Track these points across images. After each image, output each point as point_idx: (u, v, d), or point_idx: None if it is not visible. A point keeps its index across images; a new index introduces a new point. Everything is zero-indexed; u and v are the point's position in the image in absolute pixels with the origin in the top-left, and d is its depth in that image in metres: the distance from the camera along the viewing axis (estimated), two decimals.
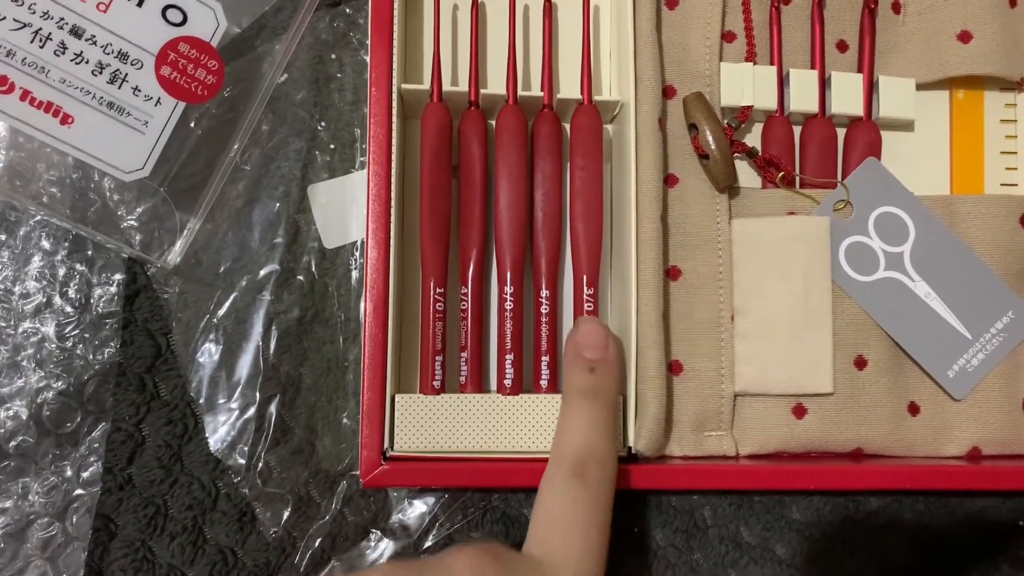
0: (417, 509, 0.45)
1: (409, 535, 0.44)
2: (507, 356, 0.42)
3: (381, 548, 0.44)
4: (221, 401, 0.44)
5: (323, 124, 0.46)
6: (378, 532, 0.44)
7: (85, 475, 0.43)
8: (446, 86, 0.43)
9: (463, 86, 0.43)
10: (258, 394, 0.44)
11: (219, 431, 0.44)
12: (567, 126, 0.44)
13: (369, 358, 0.40)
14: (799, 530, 0.46)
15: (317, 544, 0.44)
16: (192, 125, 0.42)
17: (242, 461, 0.44)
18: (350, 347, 0.45)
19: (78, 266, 0.44)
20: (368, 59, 0.41)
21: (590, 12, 0.44)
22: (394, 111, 0.41)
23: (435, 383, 0.42)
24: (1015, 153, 0.46)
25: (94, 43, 0.39)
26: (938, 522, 0.46)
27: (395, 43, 0.41)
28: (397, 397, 0.41)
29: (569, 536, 0.34)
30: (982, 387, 0.44)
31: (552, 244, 0.43)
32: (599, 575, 0.34)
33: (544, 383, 0.42)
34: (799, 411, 0.43)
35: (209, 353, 0.44)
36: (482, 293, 0.43)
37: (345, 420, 0.45)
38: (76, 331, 0.43)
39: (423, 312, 0.42)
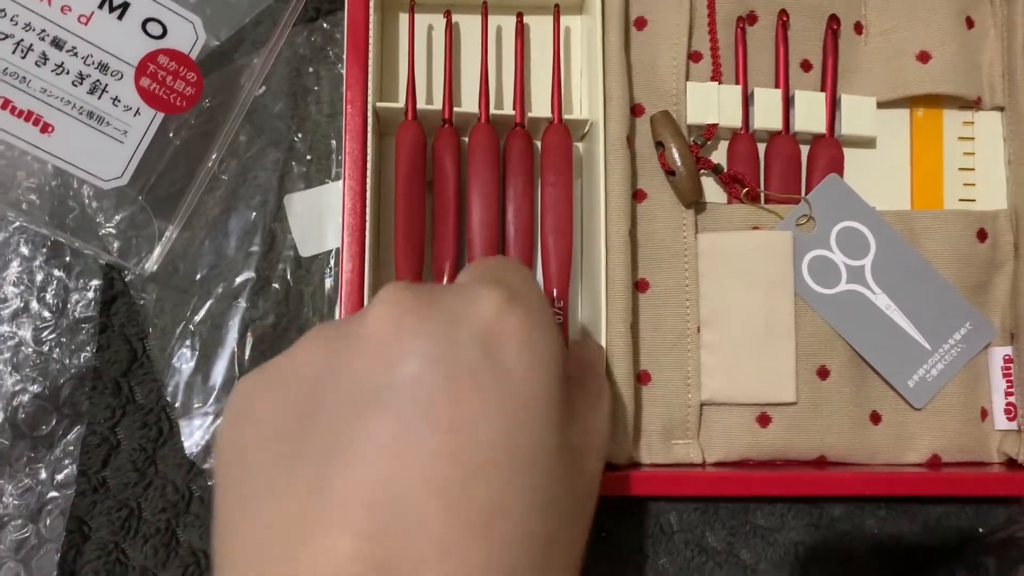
0: None
1: None
2: None
3: None
4: (196, 406, 0.44)
5: (300, 135, 0.47)
6: None
7: (59, 477, 0.43)
8: (420, 104, 0.44)
9: (437, 104, 0.44)
10: None
11: (194, 435, 0.44)
12: (538, 143, 0.46)
13: None
14: (764, 536, 0.47)
15: None
16: (171, 135, 0.43)
17: None
18: None
19: (56, 272, 0.44)
20: (344, 73, 0.42)
21: (560, 33, 0.45)
22: (369, 128, 0.42)
23: None
24: (973, 170, 0.48)
25: (75, 54, 0.40)
26: (899, 529, 0.47)
27: (370, 62, 0.42)
28: None
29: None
30: (942, 396, 0.45)
31: (523, 257, 0.44)
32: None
33: None
34: (763, 420, 0.44)
35: (185, 358, 0.45)
36: None
37: None
38: (53, 335, 0.44)
39: None
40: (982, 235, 0.46)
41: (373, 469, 0.23)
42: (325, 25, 0.47)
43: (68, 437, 0.44)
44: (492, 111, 0.44)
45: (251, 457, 0.25)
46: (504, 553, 0.24)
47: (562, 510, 0.27)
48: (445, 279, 0.43)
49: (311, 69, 0.47)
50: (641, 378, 0.44)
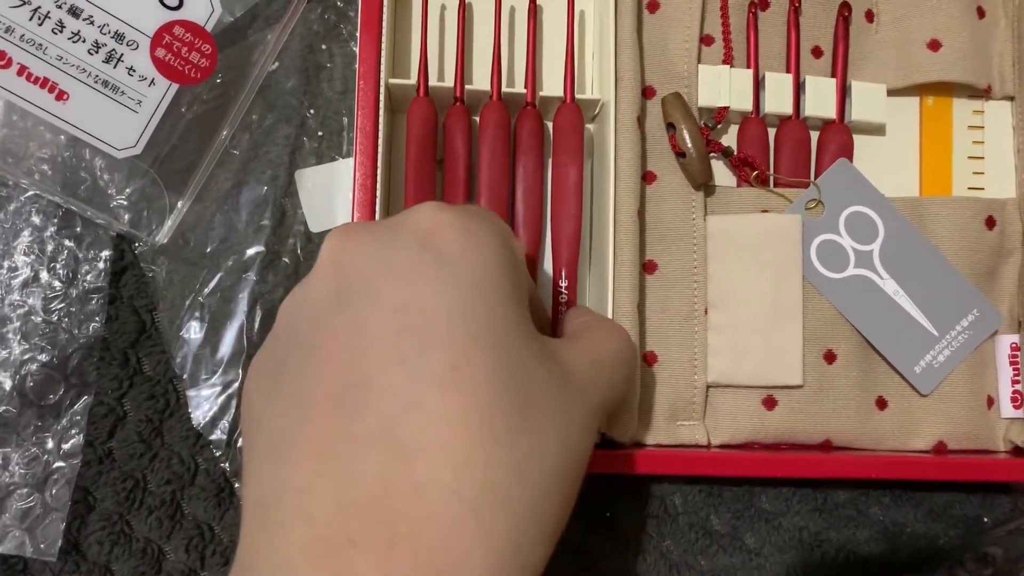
0: None
1: None
2: None
3: None
4: (204, 378, 0.44)
5: (312, 112, 0.47)
6: None
7: (66, 447, 0.43)
8: (432, 81, 0.44)
9: (449, 82, 0.44)
10: (241, 372, 0.45)
11: (201, 407, 0.44)
12: (549, 123, 0.46)
13: None
14: (768, 519, 0.47)
15: None
16: (183, 109, 0.43)
17: (223, 437, 0.44)
18: None
19: (66, 242, 0.44)
20: (357, 51, 0.42)
21: (575, 14, 0.45)
22: (381, 105, 0.42)
23: None
24: (982, 158, 0.48)
25: (91, 23, 0.40)
26: (904, 516, 0.47)
27: (383, 39, 0.43)
28: None
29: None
30: (948, 383, 0.45)
31: (532, 237, 0.44)
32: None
33: None
34: (769, 403, 0.44)
35: (193, 330, 0.45)
36: None
37: None
38: (62, 305, 0.44)
39: None
40: (991, 223, 0.46)
41: (335, 361, 0.25)
42: (339, 3, 0.48)
43: (75, 407, 0.44)
44: (504, 89, 0.44)
45: (251, 408, 0.27)
46: (472, 399, 0.24)
47: (538, 393, 0.26)
48: None
49: (324, 46, 0.47)
50: (647, 359, 0.44)
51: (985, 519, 0.48)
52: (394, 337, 0.25)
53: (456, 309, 0.26)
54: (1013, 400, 0.45)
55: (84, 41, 0.40)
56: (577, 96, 0.45)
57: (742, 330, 0.44)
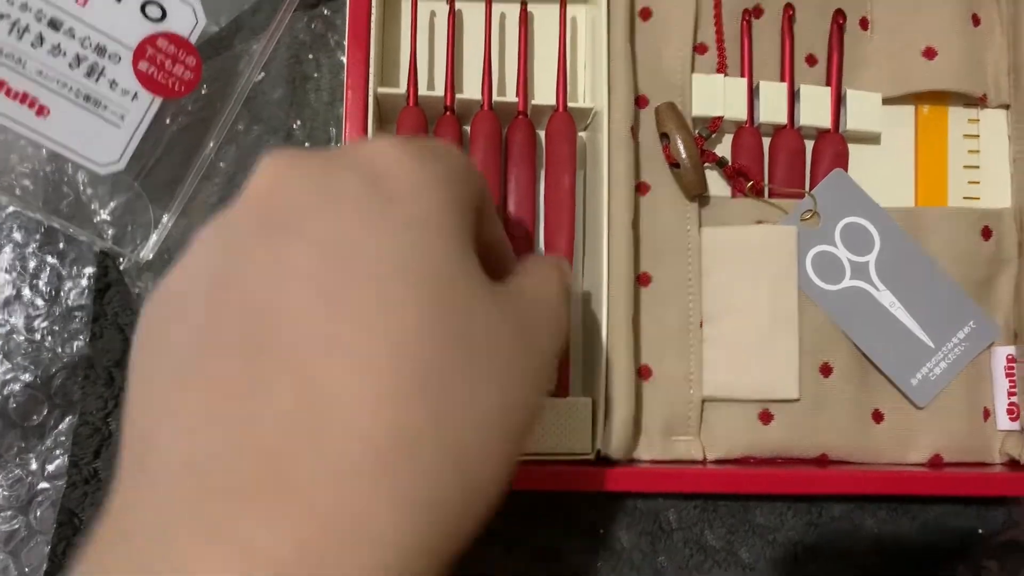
0: None
1: None
2: None
3: None
4: None
5: (299, 123, 0.46)
6: None
7: (50, 468, 0.43)
8: (422, 91, 0.43)
9: (439, 91, 0.44)
10: None
11: None
12: (541, 132, 0.45)
13: None
14: (763, 534, 0.46)
15: None
16: (168, 122, 0.42)
17: None
18: None
19: (49, 259, 0.43)
20: (345, 60, 0.42)
21: (566, 21, 0.45)
22: (370, 114, 0.41)
23: None
24: (978, 168, 0.47)
25: (72, 36, 0.39)
26: (900, 529, 0.47)
27: (372, 47, 0.42)
28: None
29: None
30: (944, 395, 0.45)
31: (525, 248, 0.44)
32: None
33: None
34: (765, 417, 0.44)
35: None
36: None
37: None
38: (45, 323, 0.43)
39: None
40: (987, 233, 0.45)
41: (247, 290, 0.22)
42: (326, 12, 0.47)
43: (59, 427, 0.43)
44: (495, 98, 0.44)
45: (148, 332, 0.24)
46: (399, 340, 0.22)
47: (477, 339, 0.24)
48: None
49: (311, 56, 0.46)
50: (642, 373, 0.44)
51: (980, 531, 0.47)
52: (318, 270, 0.22)
53: (391, 248, 0.23)
54: (1009, 412, 0.45)
55: (65, 55, 0.39)
56: (569, 105, 0.44)
57: (738, 343, 0.44)
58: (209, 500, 0.20)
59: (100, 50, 0.40)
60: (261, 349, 0.21)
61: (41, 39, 0.39)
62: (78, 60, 0.39)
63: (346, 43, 0.42)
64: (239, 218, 0.24)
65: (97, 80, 0.40)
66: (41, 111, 0.39)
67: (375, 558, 0.20)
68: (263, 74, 0.45)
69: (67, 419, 0.43)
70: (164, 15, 0.40)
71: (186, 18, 0.41)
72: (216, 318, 0.22)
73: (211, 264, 0.23)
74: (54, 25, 0.39)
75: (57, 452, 0.43)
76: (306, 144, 0.46)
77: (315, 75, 0.46)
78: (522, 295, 0.28)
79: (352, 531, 0.20)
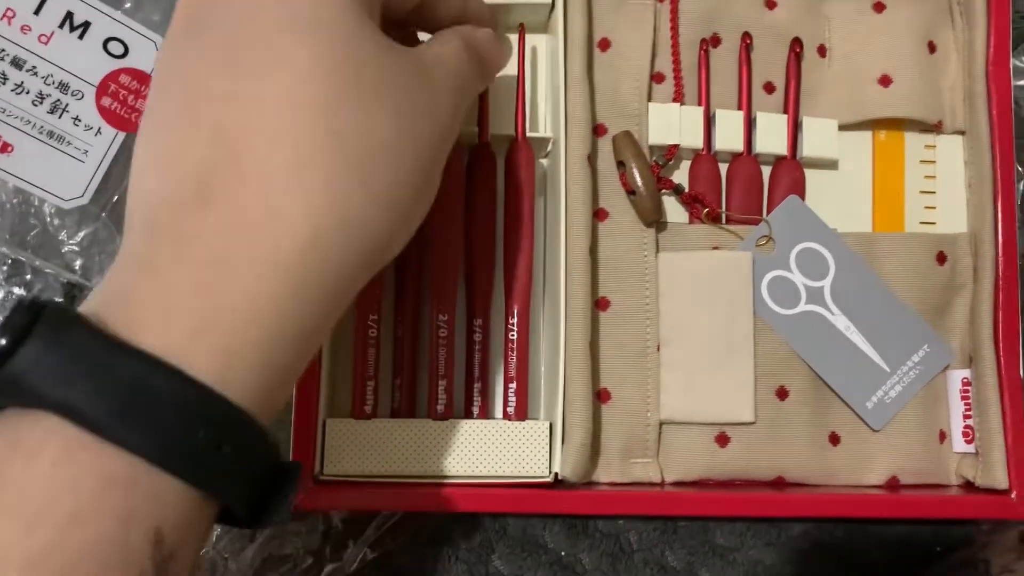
0: (348, 533, 0.45)
1: (339, 558, 0.45)
2: (440, 382, 0.43)
3: (309, 570, 0.45)
4: None
5: None
6: (309, 555, 0.45)
7: None
8: None
9: None
10: None
11: None
12: (501, 160, 0.46)
13: (301, 382, 0.41)
14: (723, 555, 0.47)
15: (248, 566, 0.44)
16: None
17: None
18: None
19: (16, 290, 0.44)
20: None
21: (525, 52, 0.45)
22: None
23: (367, 408, 0.43)
24: (934, 193, 0.48)
25: (35, 74, 0.40)
26: (859, 547, 0.48)
27: None
28: (328, 421, 0.42)
29: None
30: (900, 418, 0.45)
31: (485, 274, 0.44)
32: None
33: (476, 409, 0.44)
34: (722, 439, 0.44)
35: None
36: (417, 320, 0.44)
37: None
38: None
39: (356, 338, 0.43)
40: (941, 258, 0.46)
41: (180, 76, 0.29)
42: None
43: None
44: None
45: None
46: (290, 81, 0.27)
47: (369, 75, 0.28)
48: (406, 295, 0.44)
49: None
50: (601, 396, 0.44)
51: (938, 548, 0.48)
52: (225, 45, 0.28)
53: (284, 15, 0.28)
54: (965, 435, 0.45)
55: (28, 92, 0.40)
56: (529, 134, 0.45)
57: (694, 367, 0.44)
58: (161, 220, 0.26)
59: (63, 87, 0.41)
60: (182, 115, 0.27)
61: (4, 78, 0.40)
62: (41, 97, 0.40)
63: None
64: (174, 25, 0.30)
65: (60, 116, 0.41)
66: (5, 148, 0.40)
67: (284, 247, 0.26)
68: None
69: None
70: (126, 51, 0.41)
71: (148, 53, 0.42)
72: (156, 106, 0.29)
73: (161, 66, 0.30)
74: (17, 64, 0.40)
75: None
76: None
77: None
78: (422, 54, 0.32)
79: (269, 220, 0.26)
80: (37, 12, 0.40)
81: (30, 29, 0.40)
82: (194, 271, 0.25)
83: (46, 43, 0.40)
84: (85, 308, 0.25)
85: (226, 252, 0.26)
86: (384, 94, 0.29)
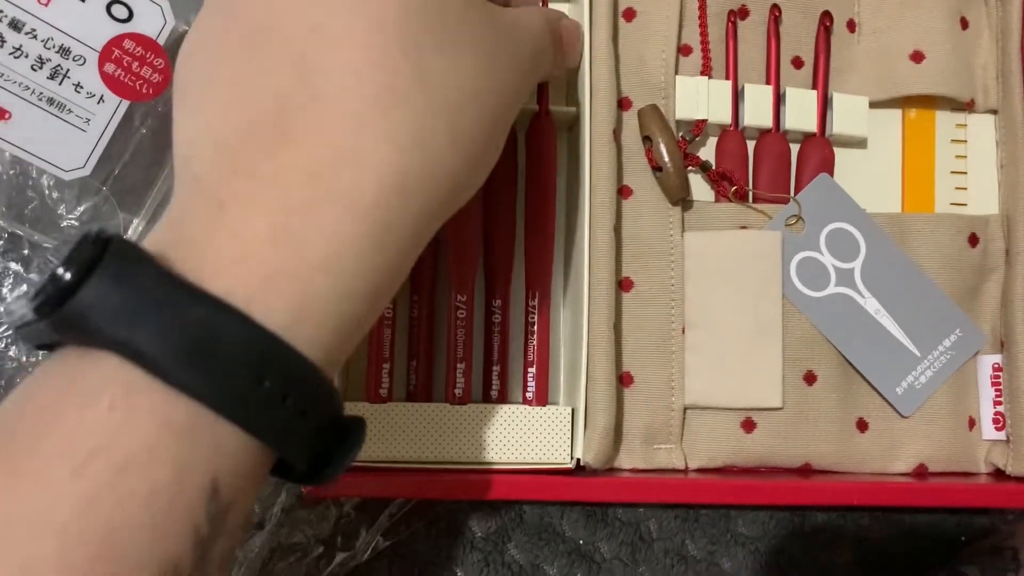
0: (360, 520, 0.44)
1: (351, 547, 0.44)
2: (458, 365, 0.41)
3: (321, 559, 0.43)
4: None
5: None
6: (320, 544, 0.43)
7: None
8: None
9: None
10: None
11: None
12: (522, 136, 0.44)
13: None
14: (744, 544, 0.46)
15: (257, 554, 0.43)
16: (137, 124, 0.41)
17: None
18: None
19: (13, 265, 0.42)
20: None
21: None
22: None
23: (382, 391, 0.41)
24: (965, 173, 0.47)
25: (34, 37, 0.38)
26: (883, 536, 0.47)
27: None
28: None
29: None
30: (930, 404, 0.44)
31: (504, 254, 0.43)
32: None
33: (495, 393, 0.42)
34: (748, 425, 0.43)
35: None
36: (433, 301, 0.43)
37: None
38: (9, 331, 0.42)
39: None
40: (973, 240, 0.45)
41: (247, 8, 0.27)
42: None
43: None
44: None
45: (183, 69, 0.29)
46: (377, 19, 0.26)
47: (454, 23, 0.28)
48: (423, 275, 0.42)
49: None
50: (623, 380, 0.43)
51: (963, 538, 0.47)
52: None
53: None
54: (995, 422, 0.44)
55: (27, 56, 0.38)
56: (551, 108, 0.43)
57: (720, 350, 0.43)
58: (227, 154, 0.25)
59: (64, 52, 0.38)
60: (261, 47, 0.26)
61: (2, 40, 0.37)
62: (40, 62, 0.38)
63: None
64: None
65: (61, 83, 0.38)
66: (2, 114, 0.38)
67: (368, 190, 0.25)
68: None
69: None
70: (131, 15, 0.39)
71: (154, 19, 0.40)
72: (225, 35, 0.27)
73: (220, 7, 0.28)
74: (15, 26, 0.38)
75: None
76: None
77: None
78: (507, 14, 0.32)
79: (353, 160, 0.25)
80: None
81: None
82: (272, 214, 0.24)
83: (46, 4, 0.38)
84: (150, 246, 0.24)
85: (306, 196, 0.24)
86: (471, 43, 0.28)
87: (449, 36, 0.28)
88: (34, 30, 0.38)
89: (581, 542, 0.45)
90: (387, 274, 0.26)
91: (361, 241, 0.25)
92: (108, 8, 0.39)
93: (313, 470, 0.26)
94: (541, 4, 0.39)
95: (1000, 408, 0.44)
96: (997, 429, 0.44)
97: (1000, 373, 0.44)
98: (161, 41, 0.40)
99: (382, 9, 0.26)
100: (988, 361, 0.45)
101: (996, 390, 0.44)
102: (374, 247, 0.25)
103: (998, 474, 0.44)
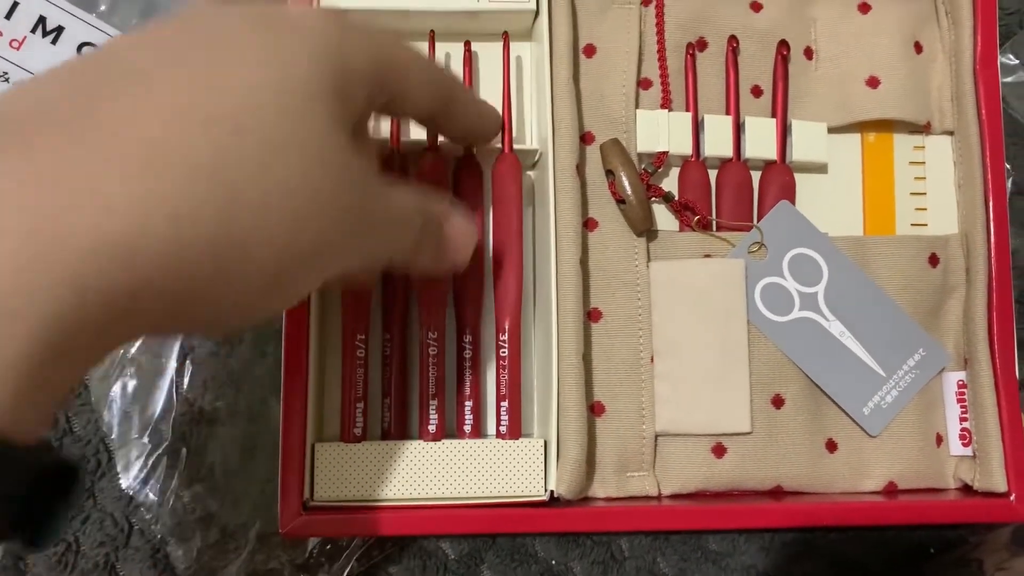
0: (335, 546, 0.44)
1: (326, 571, 0.44)
2: (431, 402, 0.42)
3: None
4: (134, 436, 0.43)
5: None
6: (296, 570, 0.44)
7: None
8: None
9: (384, 132, 0.43)
10: (171, 430, 0.44)
11: (132, 467, 0.43)
12: (489, 172, 0.45)
13: (287, 406, 0.40)
14: (716, 561, 0.46)
15: None
16: None
17: (155, 497, 0.43)
18: (268, 382, 0.45)
19: None
20: None
21: (510, 60, 0.44)
22: None
23: (356, 430, 0.41)
24: (924, 194, 0.47)
25: (6, 80, 0.39)
26: (853, 549, 0.47)
27: None
28: (317, 446, 0.41)
29: None
30: (897, 423, 0.45)
31: (474, 289, 0.43)
32: None
33: (468, 428, 0.43)
34: (719, 450, 0.44)
35: (123, 387, 0.44)
36: (405, 339, 0.43)
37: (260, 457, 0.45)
38: None
39: (344, 359, 0.42)
40: (934, 260, 0.46)
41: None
42: None
43: None
44: (441, 139, 0.43)
45: None
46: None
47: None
48: (394, 313, 0.43)
49: None
50: (595, 409, 0.43)
51: (932, 549, 0.48)
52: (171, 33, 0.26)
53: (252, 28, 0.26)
54: (962, 438, 0.45)
55: None
56: (515, 147, 0.44)
57: (689, 378, 0.44)
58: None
59: None
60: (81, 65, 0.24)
61: None
62: None
63: None
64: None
65: None
66: None
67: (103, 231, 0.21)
68: None
69: None
70: None
71: None
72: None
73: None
74: None
75: None
76: None
77: None
78: (380, 180, 0.30)
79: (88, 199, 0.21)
80: (8, 17, 0.38)
81: (1, 34, 0.38)
82: None
83: (18, 48, 0.38)
84: None
85: (27, 227, 0.21)
86: (302, 163, 0.26)
87: (271, 187, 0.25)
88: (6, 73, 0.38)
89: (554, 562, 0.45)
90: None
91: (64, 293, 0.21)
92: (79, 50, 0.39)
93: (30, 533, 0.24)
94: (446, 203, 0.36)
95: (966, 424, 0.45)
96: (964, 445, 0.45)
97: (965, 390, 0.45)
98: None
99: (235, 84, 0.25)
100: (953, 378, 0.45)
101: (962, 407, 0.45)
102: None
103: (966, 489, 0.45)
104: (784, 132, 0.46)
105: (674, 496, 0.44)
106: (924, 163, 0.48)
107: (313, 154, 0.26)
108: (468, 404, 0.43)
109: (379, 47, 0.30)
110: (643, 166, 0.45)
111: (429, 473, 0.41)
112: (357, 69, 0.29)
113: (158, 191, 0.22)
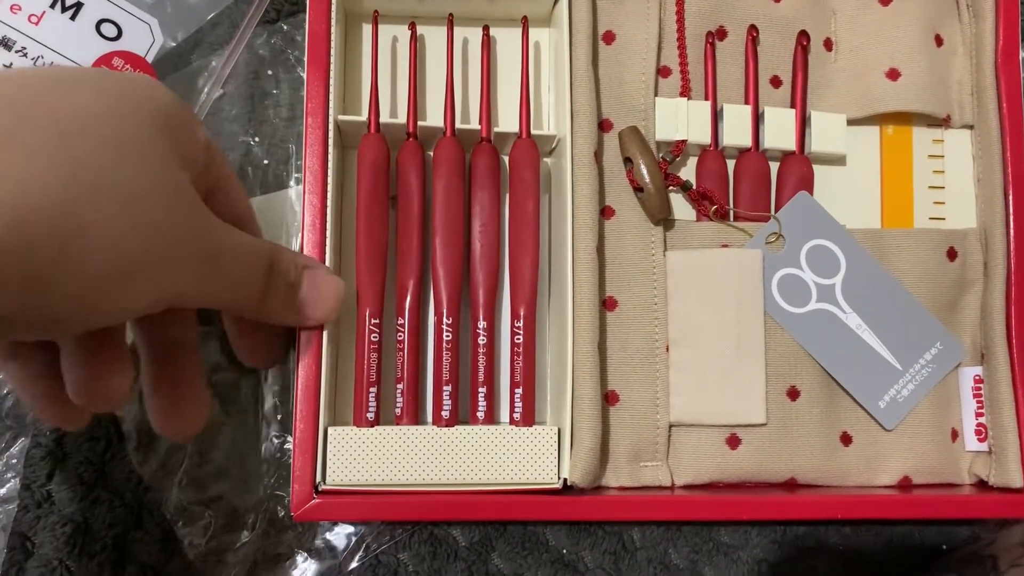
0: (344, 529, 0.44)
1: (335, 556, 0.44)
2: (444, 387, 0.42)
3: (305, 568, 0.44)
4: (144, 416, 0.43)
5: (257, 140, 0.45)
6: (304, 553, 0.44)
7: (2, 492, 0.42)
8: (384, 117, 0.43)
9: (401, 118, 0.43)
10: None
11: (141, 448, 0.43)
12: (506, 158, 0.44)
13: (302, 390, 0.40)
14: (727, 553, 0.46)
15: (241, 564, 0.43)
16: None
17: (164, 479, 0.43)
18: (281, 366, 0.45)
19: None
20: (305, 77, 0.41)
21: (529, 47, 0.44)
22: (331, 141, 0.41)
23: (369, 415, 0.41)
24: (943, 188, 0.47)
25: (25, 55, 0.38)
26: (864, 545, 0.47)
27: (332, 74, 0.41)
28: (330, 430, 0.40)
29: None
30: (912, 417, 0.45)
31: (489, 275, 0.43)
32: None
33: (481, 415, 0.42)
34: (733, 442, 0.43)
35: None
36: (419, 324, 0.43)
37: (274, 439, 0.44)
38: None
39: (358, 343, 0.42)
40: (952, 254, 0.45)
41: None
42: (285, 27, 0.46)
43: (11, 450, 0.42)
44: (458, 125, 0.43)
45: None
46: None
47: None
48: (408, 298, 0.42)
49: (270, 71, 0.46)
50: (609, 398, 0.43)
51: (944, 546, 0.47)
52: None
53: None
54: (977, 433, 0.45)
55: None
56: (533, 132, 0.43)
57: (704, 368, 0.43)
58: None
59: None
60: None
61: None
62: None
63: (306, 63, 0.41)
64: None
65: None
66: None
67: None
68: (222, 90, 0.45)
69: (19, 441, 0.42)
70: (120, 34, 0.40)
71: (143, 36, 0.40)
72: None
73: None
74: (6, 44, 0.38)
75: (8, 475, 0.42)
76: (265, 161, 0.45)
77: (274, 91, 0.46)
78: (214, 219, 0.31)
79: None
80: None
81: (20, 9, 0.38)
82: None
83: (36, 23, 0.38)
84: None
85: None
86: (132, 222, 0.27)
87: (115, 212, 0.26)
88: (24, 48, 0.38)
89: (565, 552, 0.45)
90: None
91: None
92: (97, 27, 0.39)
93: None
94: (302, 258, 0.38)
95: (982, 419, 0.45)
96: (980, 440, 0.45)
97: (981, 385, 0.45)
98: (150, 59, 0.40)
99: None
100: (969, 373, 0.45)
101: (978, 402, 0.45)
102: None
103: (981, 485, 0.45)
104: (803, 123, 0.46)
105: (687, 487, 0.43)
106: (943, 156, 0.48)
107: (145, 162, 0.28)
108: (482, 391, 0.42)
109: (202, 129, 0.32)
110: (661, 154, 0.45)
111: (442, 459, 0.40)
112: (188, 123, 0.31)
113: (9, 159, 0.24)
